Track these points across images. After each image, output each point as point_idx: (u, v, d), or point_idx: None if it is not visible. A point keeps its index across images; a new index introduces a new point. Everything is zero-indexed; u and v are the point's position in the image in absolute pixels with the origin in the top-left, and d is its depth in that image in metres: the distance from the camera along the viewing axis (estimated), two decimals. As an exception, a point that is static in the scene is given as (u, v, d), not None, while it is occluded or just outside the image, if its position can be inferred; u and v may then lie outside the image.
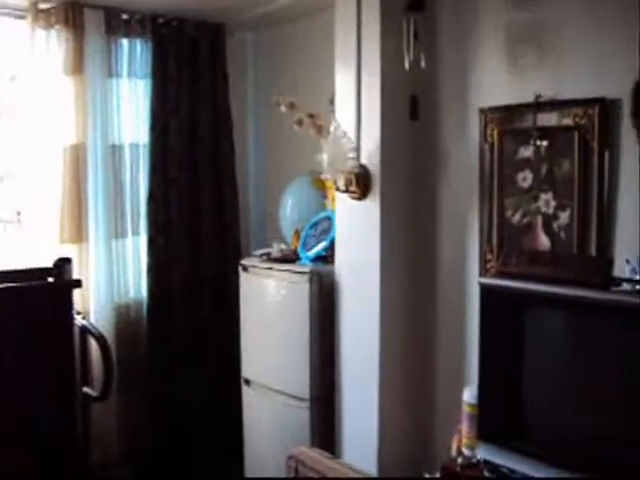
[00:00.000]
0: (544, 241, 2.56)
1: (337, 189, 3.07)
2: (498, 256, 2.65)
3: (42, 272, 3.31)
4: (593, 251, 2.45)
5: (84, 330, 3.36)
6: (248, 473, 3.65)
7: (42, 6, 3.54)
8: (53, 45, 3.63)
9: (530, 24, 2.59)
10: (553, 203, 2.54)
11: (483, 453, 2.39)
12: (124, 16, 3.82)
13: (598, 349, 2.14)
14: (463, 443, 2.55)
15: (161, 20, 3.95)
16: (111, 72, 3.83)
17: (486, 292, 2.43)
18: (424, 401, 3.05)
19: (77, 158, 3.74)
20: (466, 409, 2.56)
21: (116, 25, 3.78)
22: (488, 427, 2.38)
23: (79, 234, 3.77)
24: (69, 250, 3.67)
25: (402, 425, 3.04)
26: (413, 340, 3.05)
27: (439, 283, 3.01)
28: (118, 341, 3.86)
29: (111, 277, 3.87)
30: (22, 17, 3.54)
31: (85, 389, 3.35)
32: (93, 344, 3.39)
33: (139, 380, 3.99)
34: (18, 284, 3.15)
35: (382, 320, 2.98)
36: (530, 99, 2.53)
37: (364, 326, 3.04)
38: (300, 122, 3.32)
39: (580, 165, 2.46)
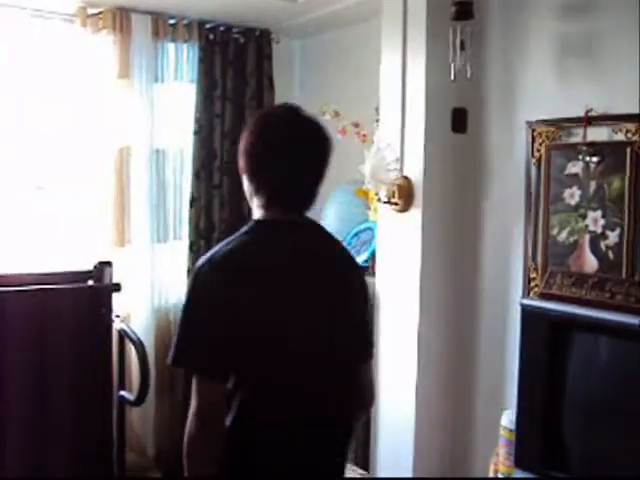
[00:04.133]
0: (591, 261, 2.45)
1: (379, 200, 3.01)
2: (542, 275, 2.55)
3: (83, 275, 3.33)
4: (643, 274, 2.34)
5: (122, 334, 3.36)
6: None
7: (90, 11, 3.58)
8: (101, 49, 3.66)
9: (581, 35, 2.49)
10: (602, 222, 2.43)
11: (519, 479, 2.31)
12: (171, 21, 3.83)
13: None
14: (500, 469, 2.47)
15: (208, 25, 3.94)
16: (157, 76, 3.84)
17: (528, 313, 2.35)
18: (462, 421, 2.97)
19: (123, 162, 3.77)
20: (503, 434, 2.47)
21: (163, 30, 3.79)
22: (525, 454, 2.30)
23: (123, 237, 3.80)
24: (113, 253, 3.70)
25: (438, 445, 2.96)
26: (452, 357, 2.97)
27: (480, 300, 2.92)
28: (157, 345, 3.86)
29: (152, 281, 3.87)
30: (71, 22, 3.58)
31: (122, 393, 3.35)
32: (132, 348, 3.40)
33: (176, 385, 3.99)
34: (58, 286, 3.18)
35: (420, 335, 2.91)
36: (580, 113, 2.43)
37: (402, 341, 2.97)
38: (344, 131, 3.28)
39: (632, 183, 2.35)
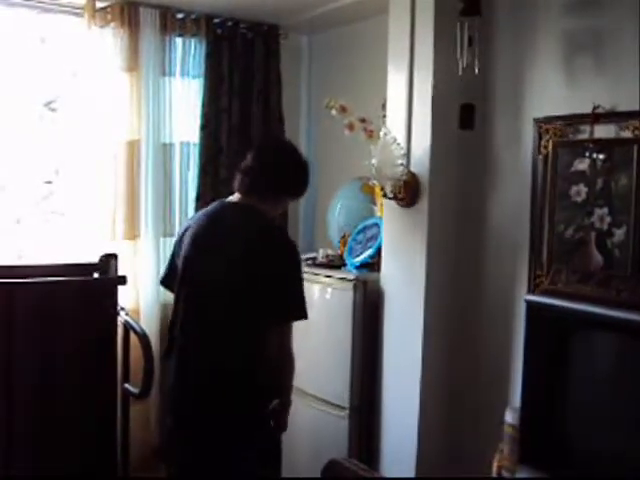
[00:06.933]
0: (597, 259, 2.44)
1: (385, 195, 3.01)
2: (548, 272, 2.55)
3: (88, 267, 3.35)
4: (649, 271, 2.33)
5: (127, 326, 3.37)
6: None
7: (99, 4, 3.59)
8: (109, 43, 3.67)
9: (589, 32, 2.48)
10: (608, 219, 2.42)
11: (523, 477, 2.31)
12: (179, 15, 3.84)
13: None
14: (503, 465, 2.46)
15: (216, 20, 3.95)
16: (165, 70, 3.86)
17: (533, 310, 2.35)
18: (466, 417, 2.97)
19: (132, 155, 3.79)
20: (507, 430, 2.47)
21: (171, 24, 3.80)
22: (529, 451, 2.30)
23: (133, 231, 3.82)
24: (124, 246, 3.74)
25: (442, 441, 2.96)
26: (457, 354, 2.97)
27: (486, 296, 2.92)
28: (162, 339, 3.87)
29: (157, 275, 3.87)
30: (79, 15, 3.59)
31: (126, 386, 3.36)
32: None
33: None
34: (63, 278, 3.20)
35: (426, 331, 2.91)
36: (587, 110, 2.43)
37: (407, 337, 2.97)
38: (351, 126, 3.27)
39: (638, 180, 2.33)
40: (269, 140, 2.71)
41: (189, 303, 2.52)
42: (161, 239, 3.93)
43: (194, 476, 2.52)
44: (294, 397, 3.46)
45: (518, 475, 2.37)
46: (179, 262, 2.58)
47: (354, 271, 3.27)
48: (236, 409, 2.43)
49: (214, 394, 2.43)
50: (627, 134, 2.36)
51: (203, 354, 2.46)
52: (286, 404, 2.61)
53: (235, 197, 2.59)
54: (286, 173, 2.59)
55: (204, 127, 3.96)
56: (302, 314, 2.49)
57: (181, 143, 3.98)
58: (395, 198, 2.96)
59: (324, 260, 3.48)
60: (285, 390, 2.59)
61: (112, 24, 3.64)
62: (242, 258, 2.41)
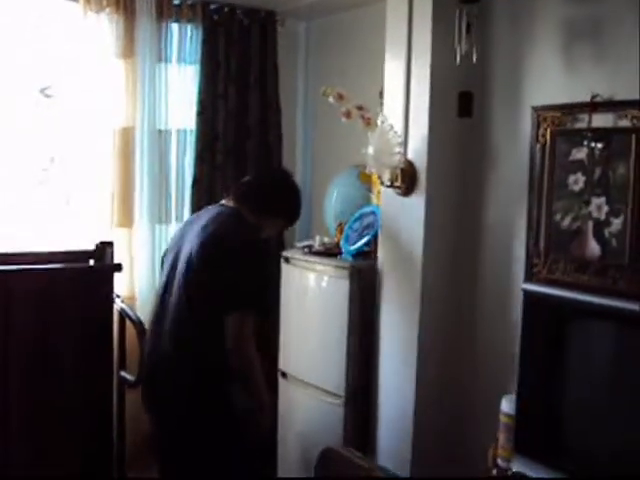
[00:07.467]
0: (594, 248, 2.43)
1: (382, 183, 3.00)
2: (545, 261, 2.54)
3: (84, 255, 3.34)
4: (646, 261, 2.32)
5: (123, 314, 3.37)
6: (281, 467, 3.62)
7: (94, -11, 3.56)
8: (104, 28, 3.64)
9: (588, 20, 2.46)
10: (605, 208, 2.41)
11: (518, 466, 2.31)
12: (175, 1, 3.81)
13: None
14: (499, 454, 2.47)
15: (212, 6, 3.92)
16: (160, 57, 3.83)
17: (530, 298, 2.35)
18: (463, 406, 2.97)
19: (126, 142, 3.77)
20: (503, 419, 2.46)
21: (167, 10, 3.77)
22: (525, 440, 2.30)
23: (128, 218, 3.81)
24: (119, 234, 3.74)
25: (438, 430, 2.97)
26: (453, 342, 2.98)
27: (483, 285, 2.92)
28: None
29: (153, 263, 3.87)
30: (74, 0, 3.55)
31: (122, 373, 3.36)
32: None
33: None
34: (59, 266, 3.19)
35: (422, 320, 2.91)
36: (586, 99, 2.41)
37: (403, 325, 2.97)
38: (348, 114, 3.26)
39: (636, 169, 2.32)
40: (270, 165, 3.11)
41: (159, 296, 2.76)
42: (157, 226, 3.92)
43: (183, 472, 2.61)
44: (290, 385, 3.49)
45: (513, 464, 2.38)
46: None
47: (350, 259, 3.26)
48: (206, 405, 2.56)
49: (184, 390, 2.56)
50: (625, 123, 2.35)
51: (167, 349, 2.64)
52: (261, 400, 2.65)
53: (225, 200, 2.85)
54: (278, 195, 2.88)
55: (200, 113, 3.94)
56: (253, 308, 2.59)
57: (177, 130, 3.97)
58: (392, 186, 2.95)
59: (320, 248, 3.47)
60: (255, 387, 2.62)
61: (107, 9, 3.61)
62: (202, 251, 2.59)
